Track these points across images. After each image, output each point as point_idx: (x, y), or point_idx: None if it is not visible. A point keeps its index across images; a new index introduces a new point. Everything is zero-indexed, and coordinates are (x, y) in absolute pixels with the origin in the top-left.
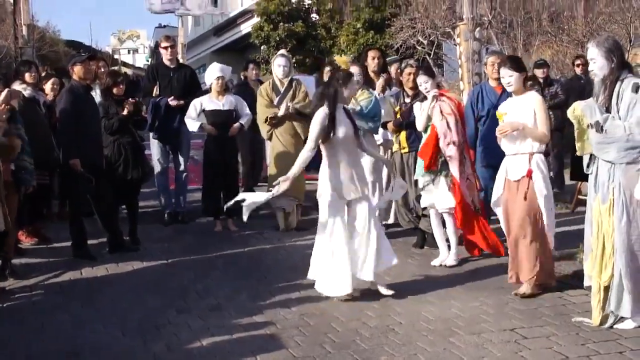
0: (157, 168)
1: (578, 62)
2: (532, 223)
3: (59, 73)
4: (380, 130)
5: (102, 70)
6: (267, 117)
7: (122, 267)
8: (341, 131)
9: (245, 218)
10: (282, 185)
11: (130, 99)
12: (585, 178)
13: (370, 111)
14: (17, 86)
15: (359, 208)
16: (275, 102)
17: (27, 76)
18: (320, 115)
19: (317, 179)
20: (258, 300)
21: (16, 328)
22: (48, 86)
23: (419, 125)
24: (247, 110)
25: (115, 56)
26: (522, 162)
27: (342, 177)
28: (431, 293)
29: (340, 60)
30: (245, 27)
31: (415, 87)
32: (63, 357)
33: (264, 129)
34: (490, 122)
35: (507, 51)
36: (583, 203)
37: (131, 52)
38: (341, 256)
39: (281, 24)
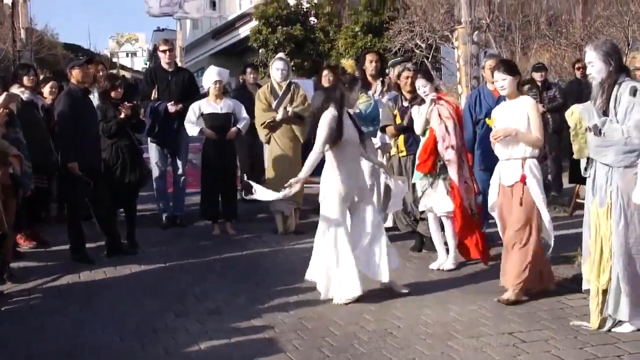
0: (155, 171)
1: (578, 65)
2: (527, 230)
3: (58, 76)
4: (379, 133)
5: (101, 73)
6: (266, 120)
7: (120, 270)
8: (347, 135)
9: (250, 197)
10: (294, 187)
11: (127, 103)
12: (584, 181)
13: (369, 114)
14: (15, 89)
15: (367, 210)
16: (273, 106)
17: (25, 79)
18: (328, 117)
19: (315, 183)
20: (256, 304)
21: (16, 328)
22: (46, 89)
23: (417, 128)
24: (245, 114)
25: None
26: (515, 167)
27: (347, 180)
28: (429, 297)
29: (347, 64)
30: (244, 31)
31: (413, 90)
32: (63, 357)
33: (262, 133)
34: (488, 125)
35: (505, 54)
36: (581, 206)
37: (129, 55)
38: (348, 259)
39: (279, 27)
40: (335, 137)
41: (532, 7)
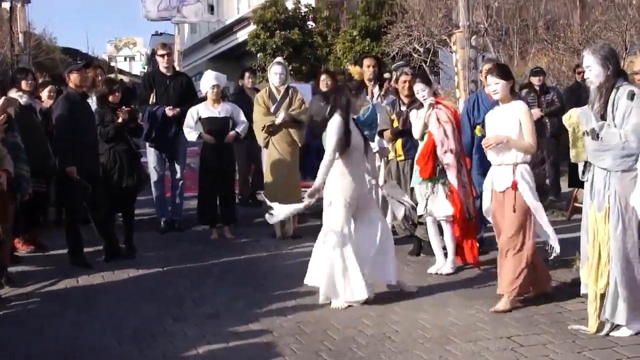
0: (154, 176)
1: (579, 70)
2: (521, 236)
3: (56, 80)
4: (376, 138)
5: (100, 78)
6: (264, 125)
7: (118, 274)
8: (355, 141)
9: (272, 221)
10: (313, 198)
11: (124, 107)
12: (583, 185)
13: (367, 119)
14: (13, 94)
15: (373, 214)
16: (271, 110)
17: (23, 84)
18: (336, 124)
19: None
20: (254, 308)
21: (15, 330)
22: (44, 94)
23: (416, 133)
24: (244, 118)
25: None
26: (506, 173)
27: (353, 186)
28: (427, 301)
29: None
30: (242, 35)
31: (411, 94)
32: (62, 358)
33: (260, 137)
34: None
35: (503, 59)
36: (579, 211)
37: (128, 59)
38: (354, 263)
39: (277, 31)
40: (344, 144)
41: (530, 11)
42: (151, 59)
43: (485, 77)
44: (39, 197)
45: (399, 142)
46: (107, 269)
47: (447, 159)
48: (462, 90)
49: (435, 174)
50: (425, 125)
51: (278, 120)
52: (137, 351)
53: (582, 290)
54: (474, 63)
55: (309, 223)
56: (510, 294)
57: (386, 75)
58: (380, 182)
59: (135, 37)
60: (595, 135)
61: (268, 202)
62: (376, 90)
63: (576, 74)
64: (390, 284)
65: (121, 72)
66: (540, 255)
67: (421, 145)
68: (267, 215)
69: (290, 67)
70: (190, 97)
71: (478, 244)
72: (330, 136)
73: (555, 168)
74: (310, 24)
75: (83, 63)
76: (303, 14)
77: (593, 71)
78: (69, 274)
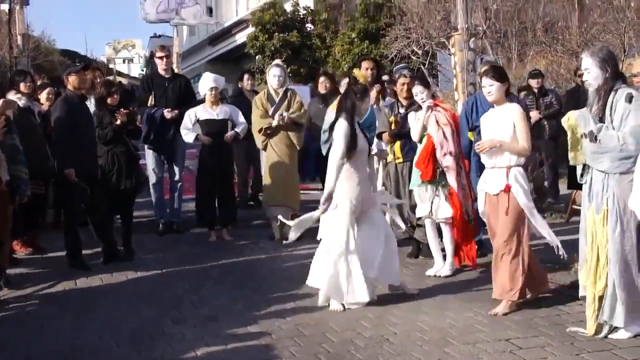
0: (152, 178)
1: (580, 72)
2: (516, 239)
3: (55, 82)
4: (375, 140)
5: (99, 80)
6: (262, 127)
7: (116, 277)
8: (360, 144)
9: (293, 238)
10: (328, 205)
11: (122, 109)
12: (582, 187)
13: (366, 121)
14: (12, 96)
15: (377, 217)
16: (270, 112)
17: (22, 86)
18: (343, 128)
19: (311, 189)
20: (253, 310)
21: (15, 330)
22: (43, 96)
23: (414, 135)
24: (243, 119)
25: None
26: (499, 176)
27: (359, 189)
28: (426, 303)
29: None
30: (240, 37)
31: (409, 97)
32: (62, 358)
33: (259, 139)
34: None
35: (502, 61)
36: (578, 213)
37: (126, 61)
38: (357, 266)
39: (276, 33)
40: (351, 148)
41: (528, 13)
42: (150, 61)
43: (481, 79)
44: (38, 199)
45: (398, 144)
46: (106, 271)
47: (447, 161)
48: (460, 93)
49: (436, 177)
50: (424, 128)
51: (275, 122)
52: (135, 353)
53: (581, 293)
54: (473, 65)
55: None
56: (509, 299)
57: (384, 77)
58: (379, 184)
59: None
60: (593, 137)
61: (286, 222)
62: (374, 92)
63: (576, 77)
64: (393, 286)
65: (120, 74)
66: (537, 256)
67: (420, 148)
68: (290, 235)
69: (288, 70)
70: (189, 99)
71: (477, 246)
72: (338, 141)
73: (553, 170)
74: (309, 26)
75: (82, 65)
76: (302, 16)
77: (591, 74)
78: (67, 276)
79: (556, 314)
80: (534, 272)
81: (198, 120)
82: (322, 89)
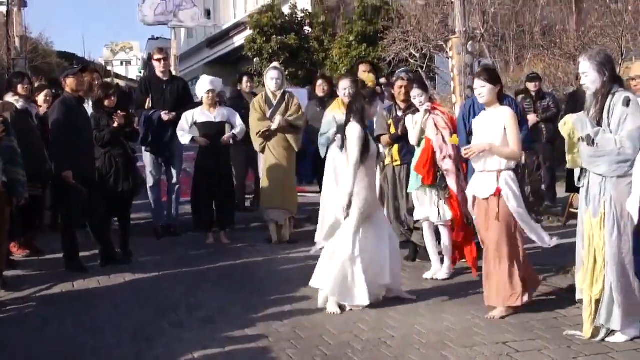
0: (150, 180)
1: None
2: (508, 244)
3: (52, 84)
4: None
5: (97, 82)
6: (260, 130)
7: (113, 279)
8: (372, 148)
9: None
10: (347, 212)
11: (120, 112)
12: (579, 191)
13: None
14: (9, 98)
15: (381, 218)
16: (268, 115)
17: (19, 88)
18: (357, 133)
19: (308, 192)
20: (250, 313)
21: (15, 330)
22: (41, 98)
23: (412, 139)
24: (240, 122)
25: (108, 68)
26: (490, 180)
27: (368, 193)
28: (423, 306)
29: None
30: (238, 40)
31: (407, 100)
32: (62, 358)
33: (256, 142)
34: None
35: (500, 64)
36: (575, 216)
37: (124, 63)
38: (360, 268)
39: (274, 36)
40: (364, 152)
41: (526, 17)
42: (147, 64)
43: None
44: (35, 201)
45: (395, 147)
46: (103, 273)
47: (446, 165)
48: (458, 96)
49: (436, 180)
50: (422, 131)
51: (274, 126)
52: (132, 356)
53: (578, 296)
54: (470, 69)
55: (305, 228)
56: (512, 305)
57: (382, 80)
58: (377, 187)
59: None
60: (590, 141)
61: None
62: None
63: (578, 81)
64: (390, 291)
65: (117, 76)
66: (534, 260)
67: (418, 151)
68: (321, 243)
69: (286, 72)
70: (187, 101)
71: (477, 248)
72: (353, 145)
73: (551, 173)
74: (307, 29)
75: (79, 67)
76: (299, 19)
77: (589, 77)
78: (64, 279)
79: (553, 317)
80: (527, 273)
81: (195, 123)
82: (319, 92)
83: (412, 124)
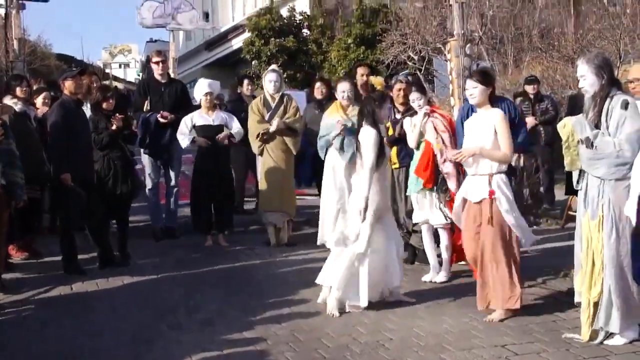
0: (148, 183)
1: None
2: (504, 247)
3: (51, 87)
4: None
5: (95, 85)
6: (259, 132)
7: (112, 282)
8: (386, 152)
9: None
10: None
11: (118, 114)
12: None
13: None
14: (8, 101)
15: (390, 219)
16: (266, 118)
17: (18, 90)
18: (372, 137)
19: (307, 195)
20: (249, 316)
21: (15, 330)
22: (39, 100)
23: (411, 142)
24: (238, 125)
25: (107, 70)
26: (481, 184)
27: (381, 195)
28: (422, 309)
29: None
30: (237, 42)
31: (405, 102)
32: (62, 359)
33: (255, 145)
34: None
35: (498, 67)
36: (573, 219)
37: (122, 66)
38: (366, 270)
39: (272, 39)
40: (380, 156)
41: (524, 20)
42: (146, 66)
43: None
44: (34, 203)
45: (394, 150)
46: (102, 276)
47: (447, 167)
48: (456, 99)
49: (437, 183)
50: (421, 134)
51: (272, 128)
52: (131, 358)
53: (576, 299)
54: (469, 71)
55: (303, 231)
56: (512, 307)
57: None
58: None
59: (130, 44)
60: (589, 143)
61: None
62: None
63: (578, 84)
64: (390, 294)
65: (116, 79)
66: (533, 263)
67: (417, 154)
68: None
69: (285, 75)
70: (185, 104)
71: None
72: (369, 150)
73: (549, 176)
74: (305, 31)
75: (78, 70)
76: (298, 21)
77: (587, 80)
78: (63, 281)
79: (552, 320)
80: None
81: (194, 126)
82: (318, 95)
83: (411, 127)
